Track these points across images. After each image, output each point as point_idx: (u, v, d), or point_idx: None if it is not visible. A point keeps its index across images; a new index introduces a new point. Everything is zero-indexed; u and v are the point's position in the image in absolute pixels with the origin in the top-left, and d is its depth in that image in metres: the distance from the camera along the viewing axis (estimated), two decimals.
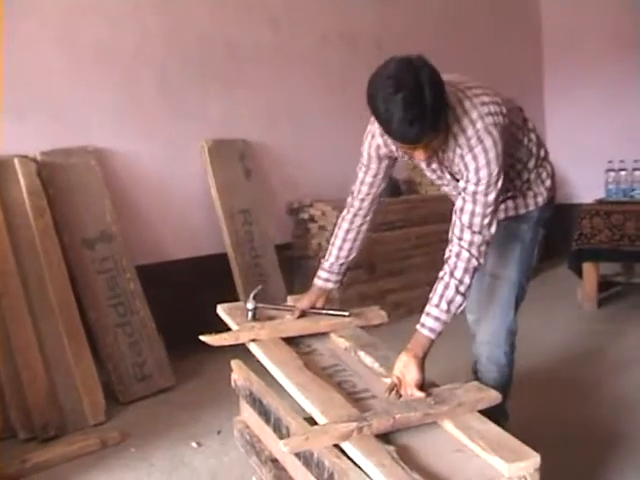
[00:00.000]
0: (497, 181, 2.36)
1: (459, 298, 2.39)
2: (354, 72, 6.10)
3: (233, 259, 5.03)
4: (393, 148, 2.57)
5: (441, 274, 2.43)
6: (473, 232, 2.38)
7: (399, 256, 5.79)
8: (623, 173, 5.91)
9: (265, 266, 5.19)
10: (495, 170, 2.33)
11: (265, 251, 5.22)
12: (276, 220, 5.54)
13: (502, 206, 2.74)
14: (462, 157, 2.36)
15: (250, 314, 2.97)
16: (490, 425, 2.17)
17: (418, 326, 2.43)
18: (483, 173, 2.33)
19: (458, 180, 2.49)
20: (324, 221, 5.42)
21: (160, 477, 3.17)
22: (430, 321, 2.40)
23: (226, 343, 2.93)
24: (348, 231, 2.87)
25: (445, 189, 2.76)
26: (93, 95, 4.53)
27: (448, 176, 2.60)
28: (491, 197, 2.37)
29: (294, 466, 2.46)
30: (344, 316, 2.99)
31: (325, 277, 2.95)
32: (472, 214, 2.38)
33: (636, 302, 5.99)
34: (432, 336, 2.40)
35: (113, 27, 4.64)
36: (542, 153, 2.76)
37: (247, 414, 3.06)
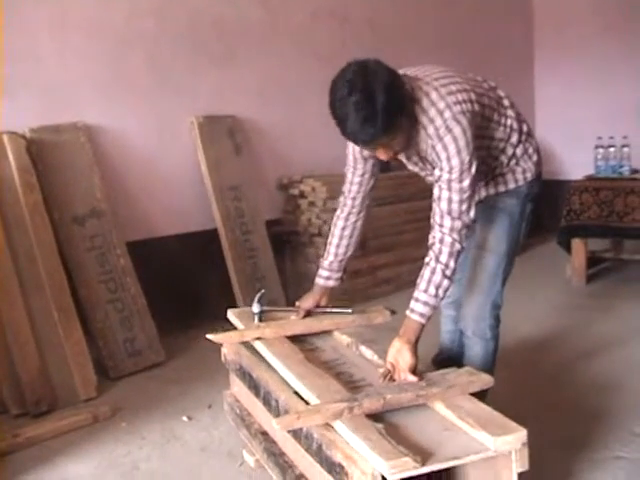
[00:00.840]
0: (470, 167, 2.40)
1: (446, 282, 2.44)
2: (345, 49, 6.10)
3: (223, 235, 5.04)
4: None
5: (427, 260, 2.48)
6: (453, 218, 2.44)
7: (389, 232, 5.81)
8: (612, 149, 5.92)
9: (255, 242, 5.20)
10: (467, 157, 2.38)
11: (255, 227, 5.23)
12: (266, 196, 5.54)
13: (492, 182, 2.79)
14: (433, 147, 2.42)
15: (256, 317, 3.00)
16: (480, 405, 2.20)
17: (408, 312, 2.47)
18: (455, 161, 2.38)
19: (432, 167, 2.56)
20: (314, 197, 5.43)
21: (151, 451, 3.20)
22: (419, 306, 2.44)
23: (232, 341, 2.97)
24: (344, 228, 2.92)
25: (430, 179, 2.77)
26: (83, 72, 4.52)
27: (429, 166, 2.63)
28: (465, 183, 2.41)
29: (283, 438, 2.49)
30: (347, 313, 3.05)
31: (326, 275, 2.99)
32: (449, 201, 2.43)
33: (624, 278, 6.03)
34: (422, 321, 2.44)
35: (103, 3, 4.61)
36: (525, 128, 2.80)
37: (237, 388, 3.08)
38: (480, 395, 2.32)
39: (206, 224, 5.10)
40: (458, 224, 2.44)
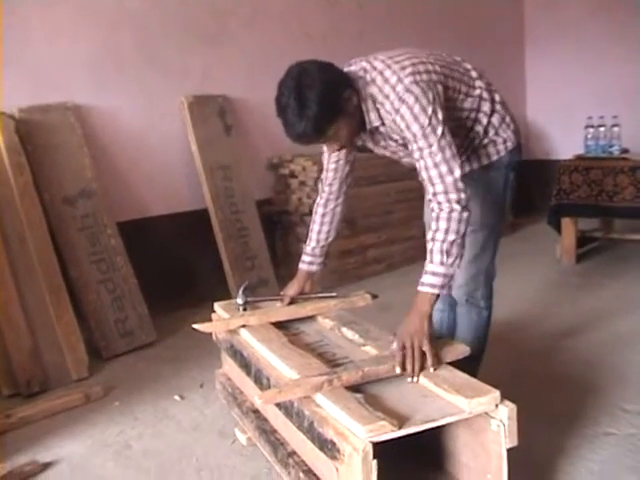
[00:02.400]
0: (433, 130, 2.38)
1: (448, 247, 2.39)
2: (335, 30, 6.11)
3: (213, 215, 5.04)
4: None
5: (430, 235, 2.45)
6: (434, 184, 2.42)
7: (379, 211, 5.81)
8: (602, 129, 5.92)
9: (245, 221, 5.20)
10: (426, 121, 2.37)
11: (245, 206, 5.23)
12: (256, 176, 5.54)
13: (474, 156, 2.80)
14: (394, 122, 2.44)
15: (241, 309, 3.04)
16: (457, 372, 2.27)
17: (419, 287, 2.42)
18: (415, 127, 2.38)
19: (404, 145, 2.58)
20: (304, 176, 5.43)
21: (144, 430, 3.22)
22: (429, 278, 2.40)
23: (218, 330, 3.00)
24: (324, 215, 3.02)
25: (406, 160, 2.79)
26: (72, 51, 4.50)
27: (400, 146, 2.63)
28: (434, 147, 2.38)
29: (275, 416, 2.51)
30: (332, 297, 3.11)
31: (309, 260, 3.05)
32: (427, 169, 2.42)
33: (614, 257, 6.06)
34: (435, 291, 2.40)
35: None
36: (497, 97, 2.78)
37: (228, 367, 3.10)
38: (471, 371, 2.34)
39: (196, 204, 5.10)
40: (441, 188, 2.41)
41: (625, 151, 5.83)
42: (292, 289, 3.06)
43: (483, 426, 2.12)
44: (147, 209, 4.92)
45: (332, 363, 2.48)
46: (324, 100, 2.31)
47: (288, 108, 2.34)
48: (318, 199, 3.02)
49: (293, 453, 2.36)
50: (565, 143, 7.30)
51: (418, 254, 4.41)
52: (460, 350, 2.43)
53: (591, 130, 5.93)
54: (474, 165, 2.80)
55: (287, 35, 5.79)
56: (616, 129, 5.83)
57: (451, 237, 2.39)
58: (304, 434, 2.16)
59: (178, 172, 5.11)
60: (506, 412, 2.06)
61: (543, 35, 8.09)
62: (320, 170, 5.24)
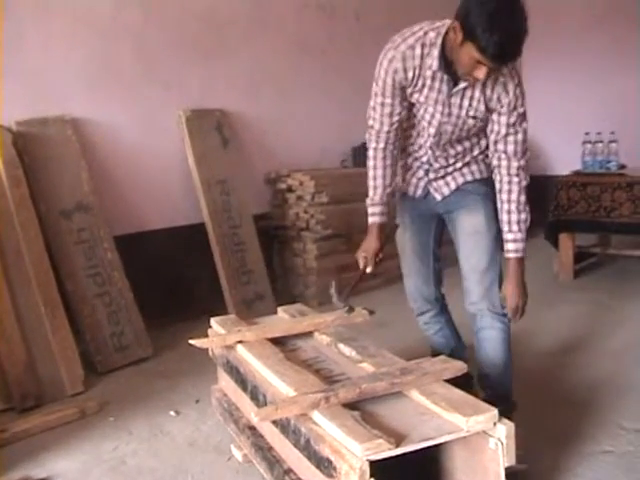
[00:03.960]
0: (526, 111, 2.71)
1: (523, 215, 2.74)
2: (332, 42, 6.11)
3: (210, 229, 5.02)
4: (410, 75, 2.68)
5: (499, 206, 2.77)
6: (518, 159, 2.73)
7: None
8: (600, 145, 5.93)
9: (243, 236, 5.19)
10: (525, 100, 2.68)
11: (243, 221, 5.22)
12: (254, 190, 5.53)
13: (466, 168, 2.93)
14: (506, 88, 2.64)
15: (346, 308, 3.02)
16: (454, 390, 2.27)
17: (512, 255, 2.76)
18: (521, 102, 2.66)
19: (474, 117, 2.72)
20: (302, 191, 5.43)
21: (139, 445, 3.19)
22: (511, 245, 2.74)
23: (214, 346, 2.98)
24: (385, 158, 2.89)
25: (430, 131, 2.82)
26: (70, 64, 4.49)
27: (464, 111, 2.71)
28: (525, 124, 2.71)
29: (271, 433, 2.49)
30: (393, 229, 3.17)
31: (380, 210, 2.95)
32: (516, 143, 2.71)
33: (611, 273, 6.06)
34: (519, 255, 2.76)
35: None
36: None
37: (224, 382, 3.09)
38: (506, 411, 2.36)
39: (193, 218, 5.08)
40: (523, 162, 2.73)
41: (622, 167, 5.83)
42: (373, 246, 2.97)
43: (481, 444, 2.11)
44: (144, 223, 4.91)
45: (329, 380, 2.47)
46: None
47: (516, 21, 2.34)
48: (373, 145, 2.89)
49: (289, 471, 2.35)
50: (562, 159, 7.30)
51: None
52: (457, 367, 2.42)
53: (589, 146, 5.94)
54: (467, 177, 2.93)
55: (285, 49, 5.81)
56: (613, 145, 5.84)
57: (528, 208, 2.75)
58: (300, 452, 2.14)
59: (175, 186, 5.10)
60: (504, 430, 2.04)
61: (540, 49, 8.09)
62: (317, 184, 5.28)
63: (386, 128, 2.83)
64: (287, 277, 5.63)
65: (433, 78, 2.66)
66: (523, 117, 2.69)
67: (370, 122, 2.87)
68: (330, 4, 6.16)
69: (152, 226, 4.95)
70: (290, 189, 5.52)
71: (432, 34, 2.63)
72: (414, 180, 3.01)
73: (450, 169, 2.92)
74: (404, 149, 2.98)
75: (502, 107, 2.66)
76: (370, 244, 2.97)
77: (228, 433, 3.03)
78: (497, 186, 2.78)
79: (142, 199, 4.90)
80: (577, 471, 2.76)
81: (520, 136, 2.71)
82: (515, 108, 2.65)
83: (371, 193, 2.94)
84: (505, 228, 2.75)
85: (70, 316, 4.03)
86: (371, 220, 2.96)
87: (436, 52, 2.60)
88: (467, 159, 2.90)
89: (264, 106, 5.65)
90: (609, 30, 7.45)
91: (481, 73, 2.45)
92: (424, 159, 2.92)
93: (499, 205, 2.77)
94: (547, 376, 3.77)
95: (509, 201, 2.73)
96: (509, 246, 2.75)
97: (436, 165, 2.91)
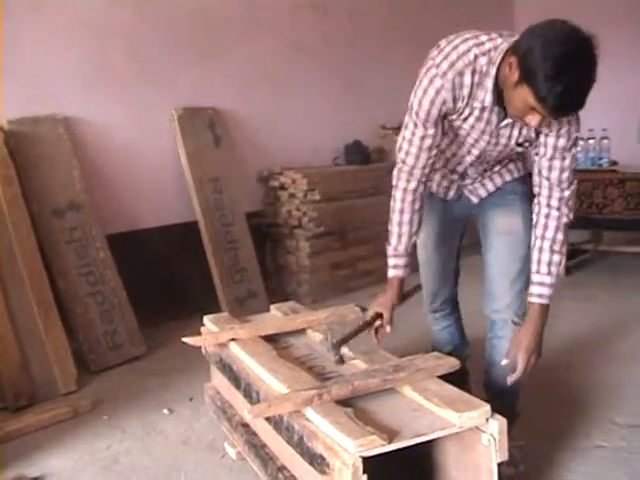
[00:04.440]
0: (578, 136, 2.43)
1: (556, 257, 2.46)
2: (325, 42, 6.10)
3: (203, 227, 5.02)
4: (459, 105, 2.37)
5: (532, 242, 2.49)
6: (562, 189, 2.45)
7: (369, 224, 5.81)
8: (591, 142, 5.96)
9: (235, 234, 5.19)
10: (579, 126, 2.39)
11: (235, 219, 5.22)
12: (246, 188, 5.53)
13: (505, 169, 2.74)
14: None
15: (337, 358, 2.58)
16: (446, 386, 2.26)
17: (536, 300, 2.49)
18: (574, 128, 2.38)
19: (521, 144, 2.49)
20: (294, 189, 5.43)
21: (132, 444, 3.19)
22: (536, 288, 2.47)
23: (207, 344, 2.97)
24: (414, 202, 2.59)
25: (473, 152, 2.57)
26: (62, 63, 4.48)
27: (513, 141, 2.47)
28: (575, 150, 2.43)
29: (265, 430, 2.49)
30: (417, 288, 2.93)
31: (404, 263, 2.64)
32: (562, 170, 2.42)
33: (604, 269, 6.08)
34: (544, 301, 2.48)
35: None
36: None
37: (218, 380, 3.08)
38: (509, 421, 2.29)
39: (186, 216, 5.08)
40: (568, 194, 2.47)
41: (614, 164, 5.85)
42: (390, 304, 2.65)
43: (474, 440, 2.11)
44: (136, 221, 4.90)
45: (322, 377, 2.47)
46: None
47: (587, 71, 2.06)
48: (403, 185, 2.57)
49: (283, 468, 2.35)
50: None
51: None
52: (450, 363, 2.42)
53: (580, 143, 5.94)
54: (506, 177, 2.75)
55: (277, 48, 5.80)
56: (605, 142, 5.86)
57: (564, 250, 2.53)
58: (294, 448, 2.14)
59: (168, 184, 5.09)
60: (497, 426, 2.05)
61: None
62: (310, 182, 5.29)
63: (422, 163, 2.51)
64: (280, 275, 5.64)
65: (482, 109, 2.37)
66: (574, 143, 2.40)
67: (402, 156, 2.54)
68: (323, 4, 6.15)
69: (145, 225, 4.94)
70: (282, 187, 5.52)
71: (483, 60, 2.28)
72: (445, 182, 2.80)
73: (488, 173, 2.73)
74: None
75: (551, 130, 2.37)
76: (388, 299, 2.65)
77: (221, 431, 3.03)
78: (534, 219, 2.50)
79: (134, 197, 4.89)
80: (570, 466, 2.77)
81: (567, 162, 2.41)
82: (567, 132, 2.36)
83: (394, 242, 2.64)
84: (533, 268, 2.47)
85: (63, 315, 4.02)
86: (393, 273, 2.65)
87: (490, 84, 2.29)
88: (506, 162, 2.71)
89: (256, 104, 5.65)
90: (601, 28, 7.44)
91: (534, 121, 2.17)
92: (459, 169, 2.71)
93: (532, 241, 2.49)
94: (539, 373, 3.76)
95: (543, 238, 2.46)
96: (534, 289, 2.48)
97: (473, 175, 2.73)
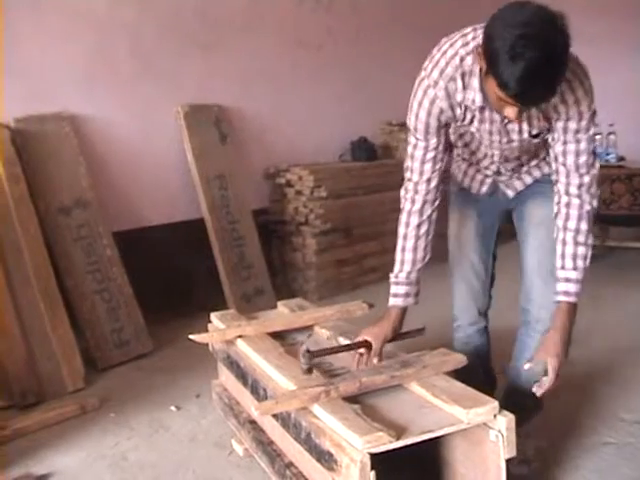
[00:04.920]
0: (594, 117, 2.24)
1: (582, 249, 2.30)
2: (330, 35, 6.09)
3: (209, 224, 5.02)
4: (458, 112, 2.28)
5: (561, 235, 2.32)
6: (580, 174, 2.28)
7: (375, 220, 5.80)
8: (598, 137, 5.93)
9: (242, 231, 5.18)
10: (593, 104, 2.21)
11: (242, 216, 5.21)
12: (252, 185, 5.53)
13: (535, 167, 2.62)
14: (561, 94, 2.13)
15: (306, 367, 2.39)
16: (454, 382, 2.27)
17: (563, 297, 2.33)
18: (584, 107, 2.20)
19: (536, 135, 2.33)
20: (301, 185, 5.42)
21: (140, 441, 3.19)
22: (562, 285, 2.32)
23: (214, 341, 2.98)
24: (419, 226, 2.46)
25: (494, 152, 2.48)
26: (67, 60, 4.47)
27: (525, 134, 2.33)
28: (592, 131, 2.26)
29: (272, 427, 2.50)
30: (420, 331, 2.69)
31: (405, 292, 2.49)
32: (577, 154, 2.26)
33: (611, 264, 6.05)
34: (571, 299, 2.33)
35: None
36: None
37: (225, 377, 3.09)
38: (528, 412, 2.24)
39: (192, 213, 5.08)
40: (587, 179, 2.29)
41: (621, 159, 5.84)
42: (382, 335, 2.46)
43: (481, 436, 2.11)
44: (143, 219, 4.90)
45: (329, 374, 2.47)
46: (566, 65, 1.96)
47: (537, 62, 1.84)
48: (408, 206, 2.47)
49: (290, 464, 2.35)
50: None
51: None
52: (457, 359, 2.42)
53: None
54: (536, 174, 2.63)
55: (282, 43, 5.78)
56: (612, 137, 5.85)
57: (590, 241, 2.31)
58: (301, 445, 2.15)
59: (174, 181, 5.09)
60: (505, 422, 2.04)
61: None
62: (316, 179, 5.28)
63: (426, 176, 2.39)
64: (286, 272, 5.63)
65: (481, 110, 2.26)
66: (589, 122, 2.22)
67: (407, 174, 2.44)
68: None
69: (151, 222, 4.94)
70: (289, 184, 5.52)
71: (469, 60, 2.18)
72: (479, 177, 2.68)
73: (525, 168, 2.60)
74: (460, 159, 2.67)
75: (559, 114, 2.22)
76: (381, 330, 2.47)
77: (229, 428, 3.03)
78: (554, 209, 2.34)
79: (141, 195, 4.89)
80: (578, 462, 2.76)
81: (583, 145, 2.24)
82: (577, 113, 2.20)
83: (396, 269, 2.51)
84: (558, 263, 2.31)
85: (70, 313, 4.03)
86: (392, 302, 2.50)
87: (476, 83, 2.18)
88: (543, 155, 2.54)
89: (262, 101, 5.64)
90: (605, 20, 7.43)
91: (512, 113, 2.04)
92: (493, 167, 2.59)
93: (555, 233, 2.34)
94: None
95: (565, 229, 2.30)
96: (559, 286, 2.31)
97: (507, 173, 2.60)
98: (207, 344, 3.05)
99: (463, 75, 2.20)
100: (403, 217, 2.49)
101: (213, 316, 3.18)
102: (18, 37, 4.23)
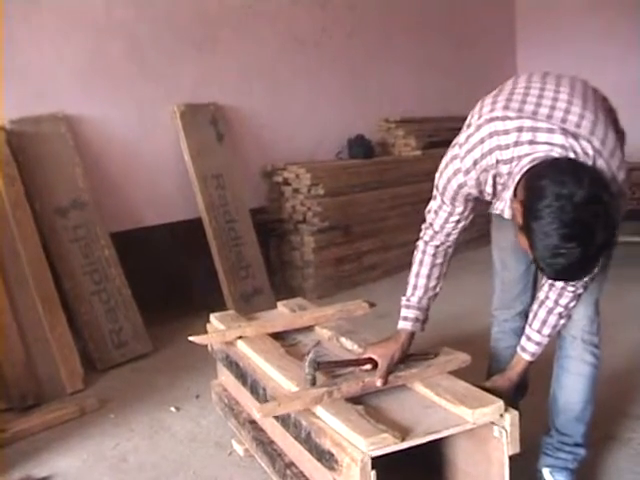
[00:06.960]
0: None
1: (553, 319, 2.31)
2: (326, 33, 6.08)
3: (207, 224, 5.01)
4: (488, 191, 2.19)
5: (543, 296, 2.31)
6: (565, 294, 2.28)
7: (374, 218, 5.80)
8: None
9: (240, 230, 5.17)
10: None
11: (239, 215, 5.20)
12: (250, 184, 5.51)
13: None
14: None
15: (309, 378, 2.29)
16: (458, 382, 2.25)
17: (519, 350, 2.38)
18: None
19: None
20: (298, 184, 5.42)
21: (140, 442, 3.18)
22: (532, 346, 2.35)
23: (214, 341, 2.97)
24: (435, 255, 2.43)
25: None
26: (62, 61, 4.46)
27: None
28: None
29: (272, 427, 2.49)
30: (431, 356, 2.53)
31: (415, 316, 2.44)
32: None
33: (613, 259, 6.02)
34: (526, 356, 2.37)
35: None
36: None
37: (224, 377, 3.08)
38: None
39: (190, 213, 5.07)
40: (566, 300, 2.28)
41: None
42: (389, 355, 2.36)
43: (485, 433, 2.09)
44: (140, 219, 4.89)
45: (331, 374, 2.44)
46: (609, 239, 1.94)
47: (577, 249, 1.82)
48: (427, 238, 2.41)
49: (291, 464, 2.34)
50: None
51: None
52: (461, 359, 2.40)
53: None
54: None
55: (278, 41, 5.78)
56: None
57: (566, 313, 2.31)
58: (302, 445, 2.14)
59: (171, 181, 5.08)
60: (509, 419, 2.03)
61: (535, 36, 8.08)
62: (313, 177, 5.27)
63: (447, 231, 2.36)
64: (285, 271, 5.62)
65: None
66: None
67: (429, 220, 2.39)
68: None
69: (148, 222, 4.92)
70: (286, 182, 5.51)
71: (504, 169, 2.08)
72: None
73: None
74: None
75: None
76: (388, 350, 2.38)
77: (229, 428, 3.03)
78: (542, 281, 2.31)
79: (138, 195, 4.88)
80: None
81: None
82: None
83: (409, 292, 2.47)
84: (529, 319, 2.36)
85: (68, 314, 4.02)
86: (401, 325, 2.45)
87: (507, 197, 2.09)
88: None
89: (258, 99, 5.63)
90: (605, 16, 7.43)
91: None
92: None
93: (542, 294, 2.31)
94: (549, 363, 3.75)
95: (547, 297, 2.29)
96: (522, 340, 2.37)
97: None
98: (206, 344, 3.04)
99: (495, 176, 2.12)
100: (421, 244, 2.44)
101: (212, 317, 3.16)
102: (14, 38, 4.21)
